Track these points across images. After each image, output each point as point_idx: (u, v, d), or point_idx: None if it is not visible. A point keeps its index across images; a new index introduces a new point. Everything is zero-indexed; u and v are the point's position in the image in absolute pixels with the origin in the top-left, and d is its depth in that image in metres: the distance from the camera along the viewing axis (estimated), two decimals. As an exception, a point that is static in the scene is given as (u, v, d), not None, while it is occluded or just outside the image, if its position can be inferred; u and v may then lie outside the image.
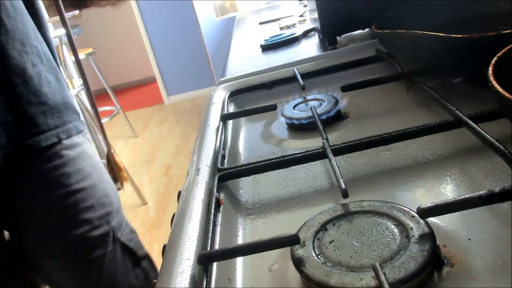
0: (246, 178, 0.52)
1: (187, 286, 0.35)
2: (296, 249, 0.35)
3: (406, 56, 0.67)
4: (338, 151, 0.49)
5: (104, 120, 3.51)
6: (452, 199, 0.34)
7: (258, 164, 0.50)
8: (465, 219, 0.36)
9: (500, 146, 0.40)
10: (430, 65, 0.63)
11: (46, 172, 0.72)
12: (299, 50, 0.99)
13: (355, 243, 0.34)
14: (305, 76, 0.76)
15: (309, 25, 1.14)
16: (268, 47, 1.07)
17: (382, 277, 0.29)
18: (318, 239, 0.36)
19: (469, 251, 0.33)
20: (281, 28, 1.23)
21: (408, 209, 0.36)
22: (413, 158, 0.48)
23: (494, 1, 0.71)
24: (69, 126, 0.75)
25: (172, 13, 4.02)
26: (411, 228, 0.34)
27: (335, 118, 0.62)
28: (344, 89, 0.64)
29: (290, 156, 0.49)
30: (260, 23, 1.44)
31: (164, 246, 0.43)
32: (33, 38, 0.70)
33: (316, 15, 0.91)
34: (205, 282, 0.35)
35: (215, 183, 0.48)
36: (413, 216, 0.35)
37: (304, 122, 0.61)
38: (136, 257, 0.85)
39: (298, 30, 1.11)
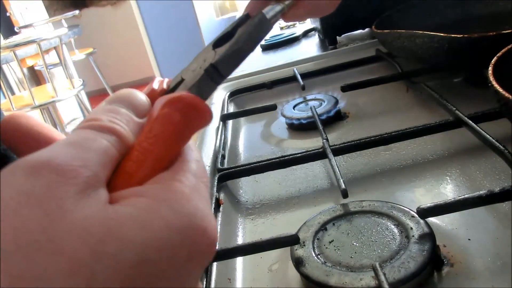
0: (246, 178, 0.52)
1: (187, 286, 0.35)
2: (296, 249, 0.35)
3: (406, 56, 0.67)
4: (338, 151, 0.49)
5: (104, 120, 3.50)
6: (452, 199, 0.34)
7: (258, 164, 0.50)
8: (465, 219, 0.36)
9: (500, 146, 0.40)
10: (430, 65, 0.63)
11: None
12: (299, 50, 0.99)
13: (355, 243, 0.34)
14: (305, 76, 0.76)
15: (309, 25, 1.14)
16: (268, 47, 1.07)
17: (382, 277, 0.29)
18: (318, 239, 0.36)
19: (469, 251, 0.33)
20: (281, 28, 1.23)
21: (408, 209, 0.36)
22: (413, 158, 0.48)
23: (494, 1, 0.71)
24: None
25: (172, 13, 4.02)
26: (411, 228, 0.34)
27: (335, 118, 0.62)
28: (344, 89, 0.64)
29: (290, 156, 0.49)
30: (260, 23, 1.43)
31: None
32: None
33: (316, 15, 0.91)
34: (205, 282, 0.35)
35: (215, 183, 0.48)
36: (413, 216, 0.35)
37: (304, 122, 0.61)
38: None
39: (298, 30, 1.12)
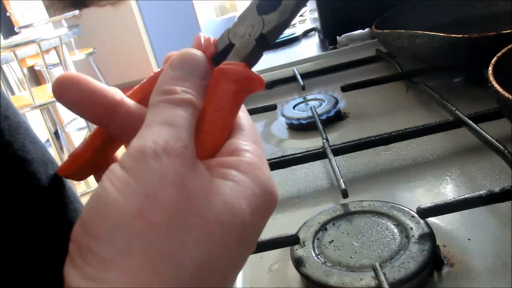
0: (246, 178, 0.52)
1: (187, 286, 0.35)
2: (296, 249, 0.35)
3: (406, 56, 0.67)
4: (338, 151, 0.49)
5: (104, 120, 3.49)
6: (452, 199, 0.34)
7: (258, 164, 0.50)
8: (465, 219, 0.36)
9: (500, 146, 0.40)
10: (430, 65, 0.63)
11: None
12: (299, 50, 0.99)
13: (355, 243, 0.34)
14: (305, 76, 0.76)
15: (309, 25, 1.14)
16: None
17: (382, 277, 0.29)
18: (318, 239, 0.36)
19: (469, 251, 0.33)
20: (281, 28, 1.23)
21: (408, 209, 0.36)
22: (413, 158, 0.48)
23: (494, 1, 0.71)
24: None
25: (172, 13, 4.01)
26: (411, 228, 0.34)
27: (335, 118, 0.62)
28: (344, 89, 0.64)
29: (290, 156, 0.49)
30: (260, 23, 1.43)
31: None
32: None
33: (316, 15, 0.91)
34: (205, 282, 0.35)
35: (215, 183, 0.48)
36: (413, 216, 0.35)
37: (304, 122, 0.61)
38: None
39: (298, 30, 1.11)
